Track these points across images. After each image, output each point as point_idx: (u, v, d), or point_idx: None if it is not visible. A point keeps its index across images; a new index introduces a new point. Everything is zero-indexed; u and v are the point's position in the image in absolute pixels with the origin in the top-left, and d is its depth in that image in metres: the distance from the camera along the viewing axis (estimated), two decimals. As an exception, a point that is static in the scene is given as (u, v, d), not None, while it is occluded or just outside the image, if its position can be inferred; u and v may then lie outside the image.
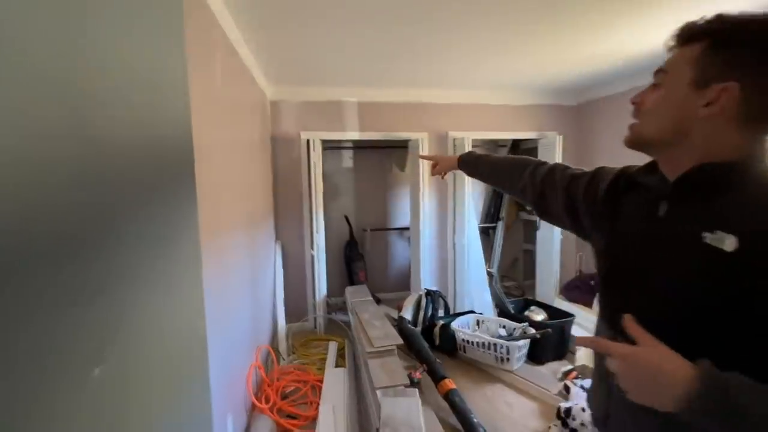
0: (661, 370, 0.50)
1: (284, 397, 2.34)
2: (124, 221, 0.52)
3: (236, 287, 1.93)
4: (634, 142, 0.67)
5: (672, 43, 0.64)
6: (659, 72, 0.64)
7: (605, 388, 0.72)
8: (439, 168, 1.28)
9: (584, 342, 0.60)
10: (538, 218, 3.72)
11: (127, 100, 0.53)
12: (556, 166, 0.93)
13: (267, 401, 2.18)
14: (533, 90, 3.58)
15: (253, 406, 2.11)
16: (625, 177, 0.75)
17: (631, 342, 0.55)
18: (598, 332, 0.78)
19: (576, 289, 3.58)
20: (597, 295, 0.77)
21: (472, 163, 1.17)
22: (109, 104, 0.49)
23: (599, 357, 0.77)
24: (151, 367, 0.59)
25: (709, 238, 0.54)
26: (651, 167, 0.69)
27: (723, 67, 0.56)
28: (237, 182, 2.02)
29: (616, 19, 1.99)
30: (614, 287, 0.71)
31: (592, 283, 3.48)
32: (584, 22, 2.04)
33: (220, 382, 1.58)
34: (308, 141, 3.30)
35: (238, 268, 1.97)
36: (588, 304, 3.32)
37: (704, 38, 0.58)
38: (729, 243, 0.52)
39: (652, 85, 0.65)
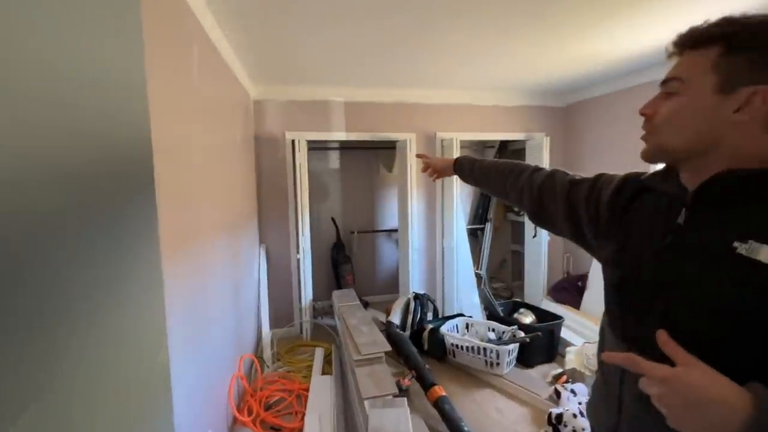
0: (709, 395, 0.45)
1: (268, 407, 2.25)
2: (64, 238, 0.44)
3: (216, 295, 1.83)
4: (655, 155, 0.63)
5: (673, 49, 0.60)
6: (672, 81, 0.59)
7: (614, 403, 0.67)
8: (432, 170, 1.22)
9: (616, 359, 0.54)
10: (533, 227, 3.72)
11: (69, 99, 0.45)
12: (555, 171, 0.89)
13: (249, 413, 2.09)
14: (521, 91, 3.57)
15: (235, 420, 2.02)
16: (632, 182, 0.71)
17: (652, 358, 0.51)
18: (604, 343, 0.73)
19: (564, 290, 3.58)
20: (605, 304, 0.72)
21: (467, 167, 1.11)
22: (46, 105, 0.41)
23: (605, 369, 0.72)
24: (101, 403, 0.51)
25: (742, 248, 0.51)
26: (666, 173, 0.65)
27: (749, 70, 0.52)
28: (217, 184, 1.93)
29: (603, 21, 1.97)
30: (629, 298, 0.66)
31: (580, 284, 3.48)
32: (571, 24, 2.02)
33: (198, 398, 1.49)
34: (293, 141, 3.22)
35: (217, 275, 1.88)
36: (575, 305, 3.32)
37: (717, 41, 0.55)
38: (765, 254, 0.49)
39: (663, 94, 0.61)
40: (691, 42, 0.58)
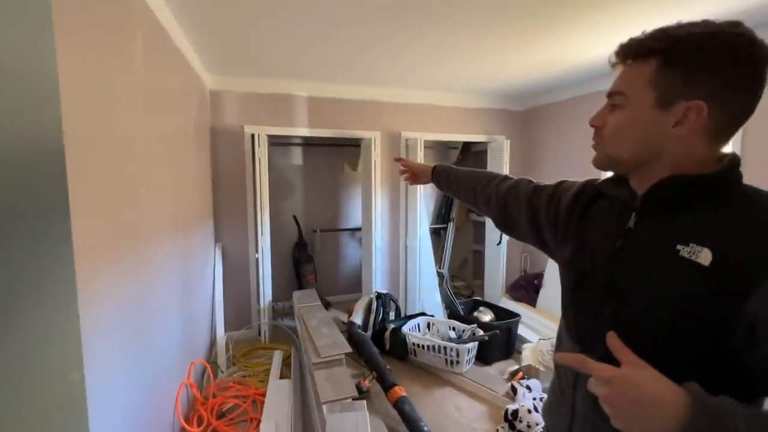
0: (649, 395, 0.46)
1: (221, 416, 2.13)
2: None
3: (162, 297, 1.70)
4: (604, 164, 0.66)
5: (615, 60, 0.62)
6: (616, 94, 0.61)
7: (567, 407, 0.69)
8: (411, 174, 1.21)
9: (567, 359, 0.54)
10: (499, 234, 3.79)
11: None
12: (521, 180, 0.92)
13: (200, 423, 1.97)
14: (483, 94, 3.64)
15: (183, 431, 1.89)
16: (590, 189, 0.74)
17: (604, 359, 0.51)
18: (561, 346, 0.74)
19: (521, 288, 3.70)
20: (561, 306, 0.74)
21: (444, 176, 1.12)
22: None
23: (560, 373, 0.73)
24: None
25: (684, 251, 0.53)
26: (617, 179, 0.68)
27: (684, 86, 0.54)
28: (166, 179, 1.79)
29: (561, 29, 2.04)
30: (583, 301, 0.68)
31: (536, 282, 3.62)
32: (530, 32, 2.07)
33: (137, 412, 1.37)
34: (253, 135, 3.08)
35: (165, 277, 1.75)
36: (532, 303, 3.45)
37: (654, 55, 0.56)
38: (704, 256, 0.51)
39: (610, 105, 0.63)
40: (630, 54, 0.60)
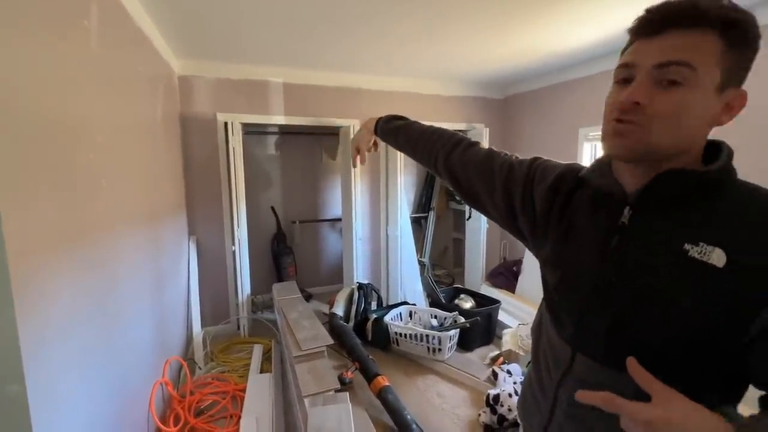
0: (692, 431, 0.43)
1: (199, 413, 2.07)
2: None
3: (129, 296, 1.61)
4: (638, 154, 0.53)
5: (660, 18, 0.49)
6: (680, 66, 0.48)
7: (548, 401, 0.65)
8: (362, 157, 1.18)
9: (591, 398, 0.49)
10: (468, 209, 3.83)
11: None
12: (491, 151, 0.82)
13: (176, 422, 1.90)
14: (462, 82, 3.62)
15: (159, 431, 1.82)
16: (569, 179, 0.67)
17: (600, 363, 0.51)
18: (542, 338, 0.70)
19: (500, 275, 3.76)
20: (546, 302, 0.70)
21: (392, 133, 1.09)
22: None
23: (541, 365, 0.69)
24: None
25: (693, 251, 0.49)
26: (604, 169, 0.61)
27: (739, 70, 0.50)
28: (130, 170, 1.68)
29: (539, 14, 2.02)
30: (572, 300, 0.62)
31: (515, 269, 3.68)
32: (507, 17, 2.05)
33: (104, 419, 1.30)
34: (226, 124, 2.95)
35: (131, 273, 1.65)
36: (511, 289, 3.50)
37: (714, 28, 0.47)
38: (717, 257, 0.47)
39: (660, 78, 0.49)
40: (694, 19, 0.48)
